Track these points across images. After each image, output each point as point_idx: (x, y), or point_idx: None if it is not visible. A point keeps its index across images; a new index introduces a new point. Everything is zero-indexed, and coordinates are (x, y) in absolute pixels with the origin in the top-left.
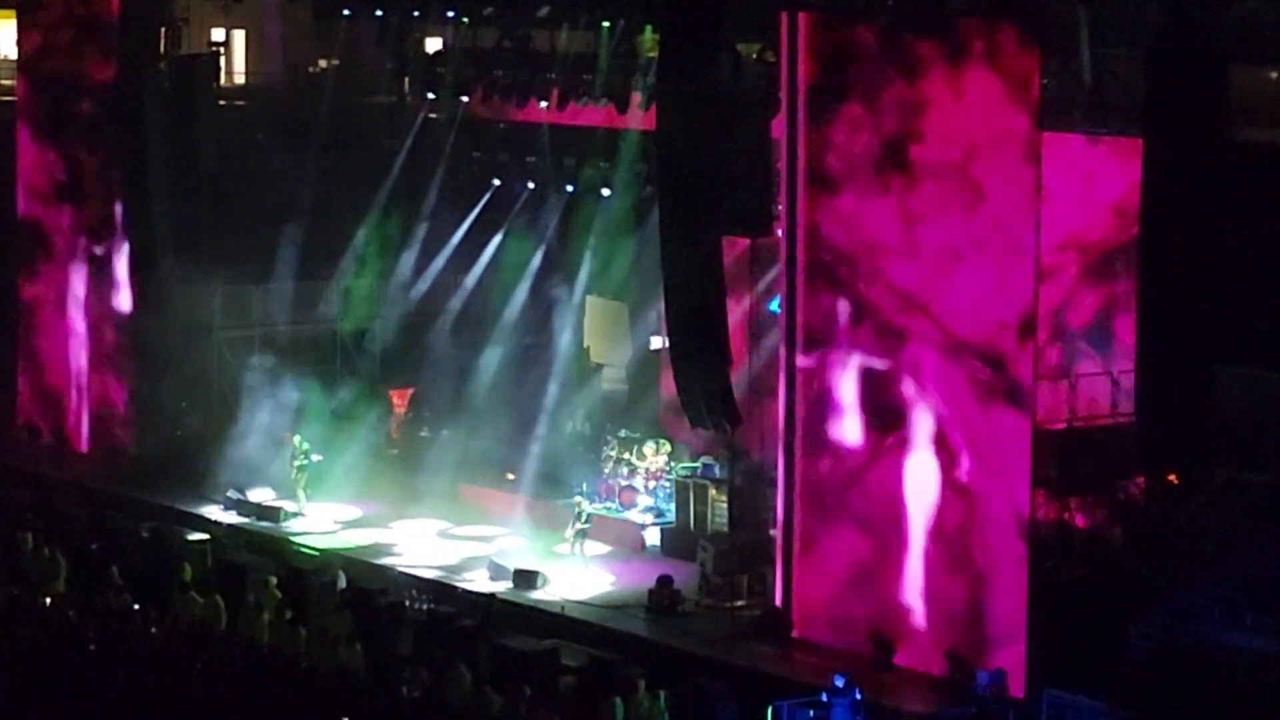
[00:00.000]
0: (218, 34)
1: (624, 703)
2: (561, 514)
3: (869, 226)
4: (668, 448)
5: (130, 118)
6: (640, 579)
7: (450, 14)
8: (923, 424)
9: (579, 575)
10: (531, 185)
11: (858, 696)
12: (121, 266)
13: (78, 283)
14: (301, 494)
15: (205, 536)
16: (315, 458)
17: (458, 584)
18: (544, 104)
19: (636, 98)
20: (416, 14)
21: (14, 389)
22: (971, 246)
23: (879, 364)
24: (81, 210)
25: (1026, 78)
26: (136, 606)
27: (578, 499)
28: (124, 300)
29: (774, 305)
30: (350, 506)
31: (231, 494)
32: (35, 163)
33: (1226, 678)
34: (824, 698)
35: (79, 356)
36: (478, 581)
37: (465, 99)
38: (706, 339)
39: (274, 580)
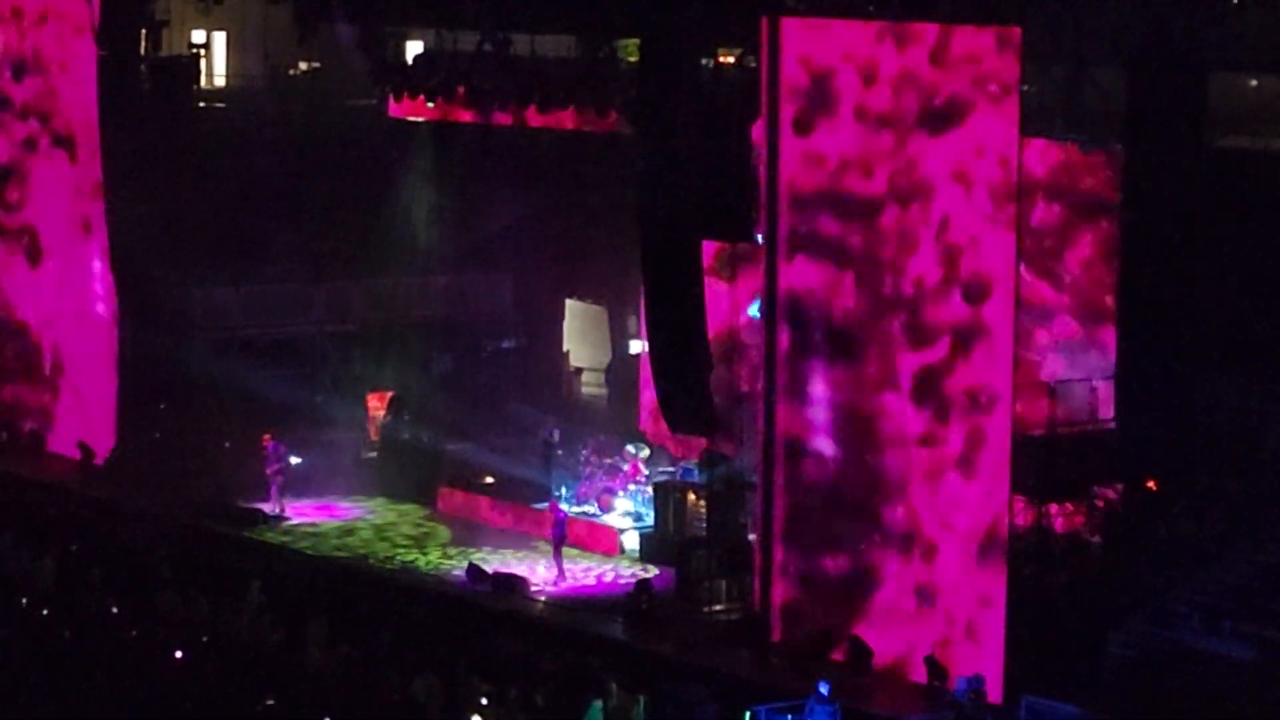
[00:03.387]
0: (198, 36)
1: (602, 707)
2: (540, 518)
3: (849, 232)
4: (646, 452)
5: (111, 119)
6: (619, 583)
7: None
8: (902, 429)
9: (557, 579)
10: (511, 189)
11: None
12: (101, 268)
13: (58, 283)
14: (280, 497)
15: (184, 538)
16: (294, 460)
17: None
18: (524, 108)
19: (617, 102)
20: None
21: None
22: (953, 253)
23: (858, 369)
24: (61, 211)
25: (1007, 85)
26: (115, 609)
27: (555, 502)
28: (104, 301)
29: (754, 310)
30: (328, 509)
31: None
32: (16, 162)
33: (1204, 685)
34: (809, 704)
35: (58, 357)
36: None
37: (446, 102)
38: (686, 344)
39: (257, 583)
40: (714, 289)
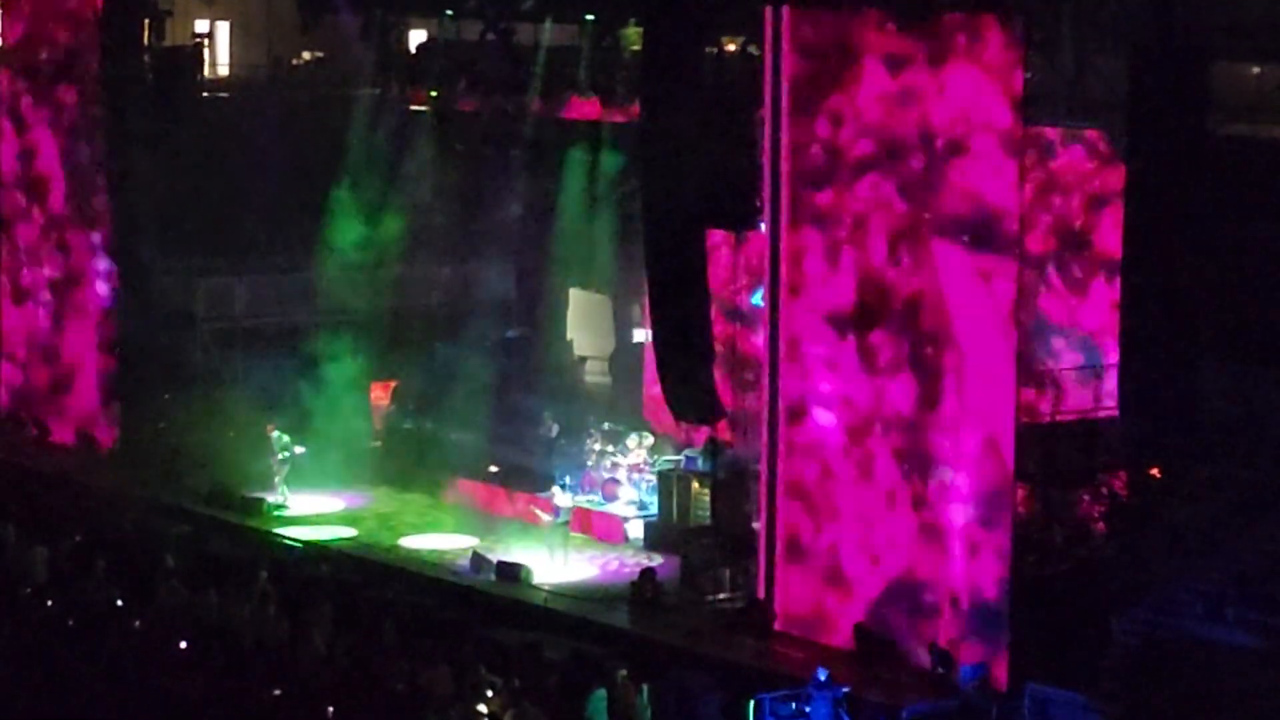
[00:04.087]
0: (201, 25)
1: (606, 695)
2: (545, 507)
3: (852, 220)
4: (650, 440)
5: (114, 109)
6: (623, 572)
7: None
8: (905, 415)
9: (561, 568)
10: (514, 178)
11: (843, 690)
12: (104, 258)
13: (60, 275)
14: (284, 487)
15: (188, 528)
16: (297, 450)
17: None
18: (528, 97)
19: (620, 91)
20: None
21: None
22: (954, 240)
23: (861, 355)
24: (65, 201)
25: (1009, 71)
26: (119, 599)
27: (555, 491)
28: (107, 292)
29: (757, 298)
30: (333, 499)
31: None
32: (17, 153)
33: (1208, 673)
34: (808, 691)
35: (62, 348)
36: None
37: (449, 91)
38: (690, 332)
39: (264, 574)
40: (716, 255)
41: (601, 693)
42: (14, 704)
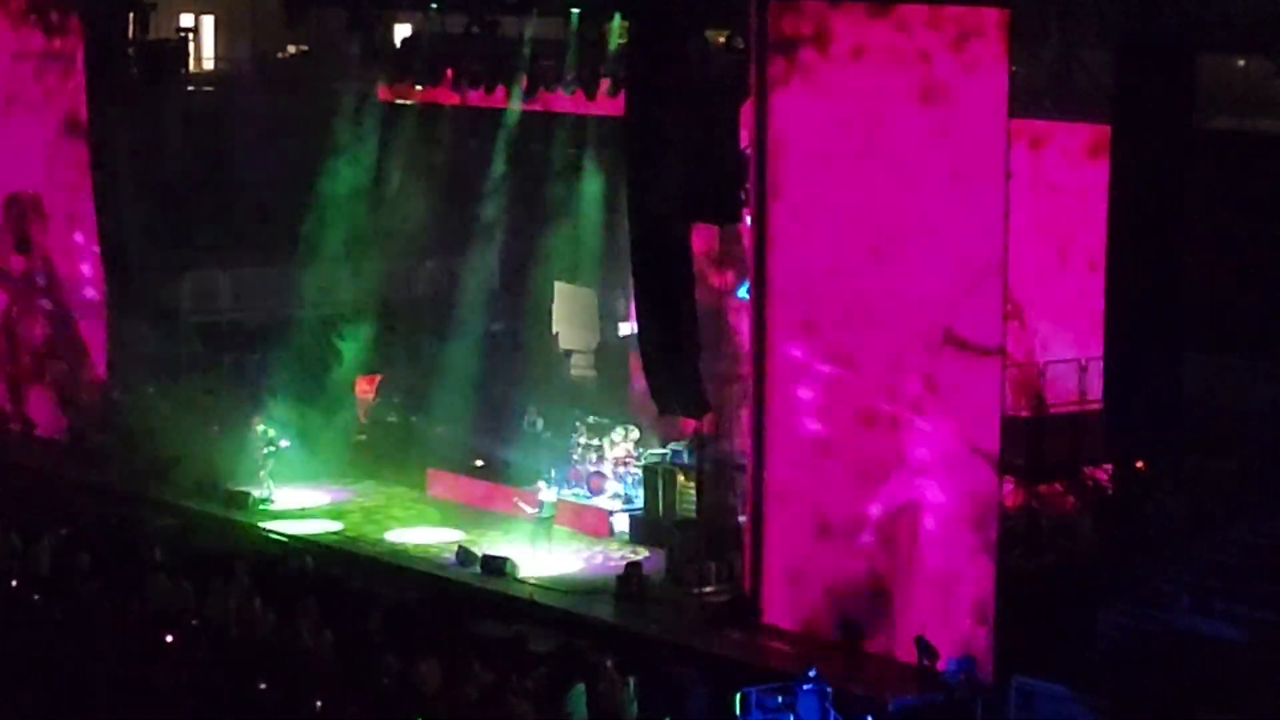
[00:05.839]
0: (186, 19)
1: (591, 689)
2: (529, 500)
3: (838, 213)
4: (636, 434)
5: (98, 103)
6: (609, 565)
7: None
8: (889, 409)
9: (546, 561)
10: (499, 172)
11: (828, 686)
12: (90, 252)
13: (45, 267)
14: (269, 480)
15: (174, 522)
16: (282, 444)
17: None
18: (513, 90)
19: (605, 84)
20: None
21: None
22: (940, 234)
23: (846, 351)
24: (49, 195)
25: (995, 64)
26: (106, 593)
27: (539, 485)
28: (93, 285)
29: (742, 291)
30: (318, 492)
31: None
32: (3, 147)
33: (1194, 665)
34: (794, 685)
35: (46, 342)
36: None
37: (434, 85)
38: (675, 325)
39: (244, 565)
40: (702, 270)
41: (581, 688)
42: (3, 699)
